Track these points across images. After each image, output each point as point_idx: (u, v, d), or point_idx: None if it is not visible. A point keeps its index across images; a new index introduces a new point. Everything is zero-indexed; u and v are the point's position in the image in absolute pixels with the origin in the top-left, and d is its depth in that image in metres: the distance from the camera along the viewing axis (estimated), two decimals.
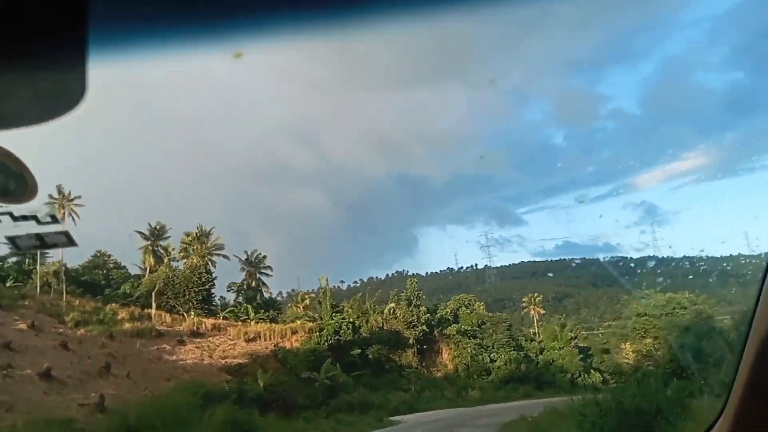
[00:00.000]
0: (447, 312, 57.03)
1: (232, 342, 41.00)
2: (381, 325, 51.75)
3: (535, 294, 74.06)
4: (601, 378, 66.20)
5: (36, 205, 2.01)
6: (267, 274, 60.19)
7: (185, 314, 45.28)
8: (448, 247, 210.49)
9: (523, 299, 74.18)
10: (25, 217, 2.15)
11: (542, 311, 72.40)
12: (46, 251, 40.55)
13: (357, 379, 41.51)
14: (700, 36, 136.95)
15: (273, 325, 45.46)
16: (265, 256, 60.07)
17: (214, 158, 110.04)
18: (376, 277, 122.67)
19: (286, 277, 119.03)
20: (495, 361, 55.69)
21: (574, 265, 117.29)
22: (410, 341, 51.38)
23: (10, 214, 2.08)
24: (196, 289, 48.15)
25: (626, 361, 33.48)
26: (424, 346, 52.51)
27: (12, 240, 2.42)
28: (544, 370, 59.27)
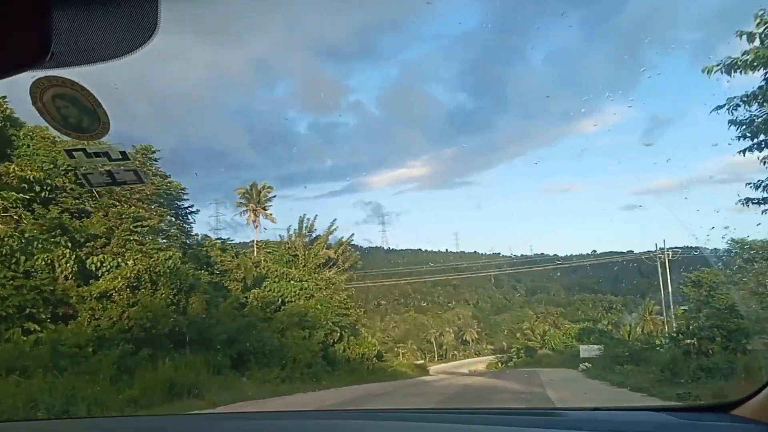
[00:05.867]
0: None
1: None
2: None
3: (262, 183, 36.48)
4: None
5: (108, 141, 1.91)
6: None
7: None
8: None
9: (236, 191, 35.97)
10: (97, 154, 2.08)
11: (275, 221, 35.10)
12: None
13: None
14: (437, 51, 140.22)
15: None
16: None
17: None
18: None
19: None
20: (100, 275, 15.66)
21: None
22: None
23: (84, 151, 2.06)
24: None
25: None
26: None
27: (85, 176, 2.68)
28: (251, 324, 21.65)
